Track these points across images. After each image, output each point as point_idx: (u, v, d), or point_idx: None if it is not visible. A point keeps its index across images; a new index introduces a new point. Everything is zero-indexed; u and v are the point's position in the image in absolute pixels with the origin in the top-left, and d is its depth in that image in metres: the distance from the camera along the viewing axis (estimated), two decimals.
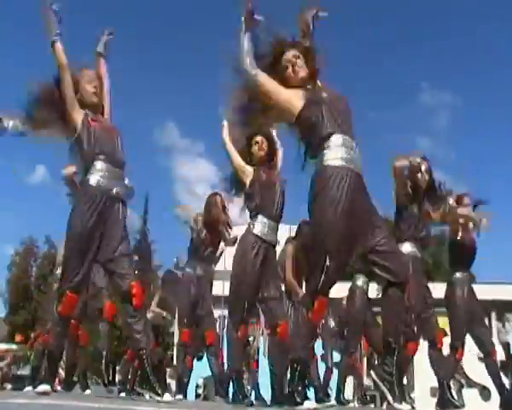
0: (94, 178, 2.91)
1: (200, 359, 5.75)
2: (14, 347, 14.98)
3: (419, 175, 3.89)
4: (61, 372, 11.08)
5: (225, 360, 6.88)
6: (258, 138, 3.73)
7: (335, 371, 5.88)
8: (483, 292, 5.99)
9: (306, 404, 2.44)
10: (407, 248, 3.85)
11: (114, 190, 2.93)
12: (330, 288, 2.47)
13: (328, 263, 2.35)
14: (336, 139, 2.49)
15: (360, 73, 45.22)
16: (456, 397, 4.31)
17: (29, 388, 4.57)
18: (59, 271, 4.66)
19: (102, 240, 2.89)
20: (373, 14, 44.43)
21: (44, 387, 2.76)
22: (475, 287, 4.54)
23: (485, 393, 4.75)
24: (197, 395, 7.61)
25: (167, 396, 2.83)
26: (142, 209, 29.07)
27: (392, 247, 2.56)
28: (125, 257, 2.89)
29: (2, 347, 17.78)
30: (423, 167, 3.89)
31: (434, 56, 44.09)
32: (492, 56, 41.21)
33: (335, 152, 2.46)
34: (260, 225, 3.52)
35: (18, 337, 15.71)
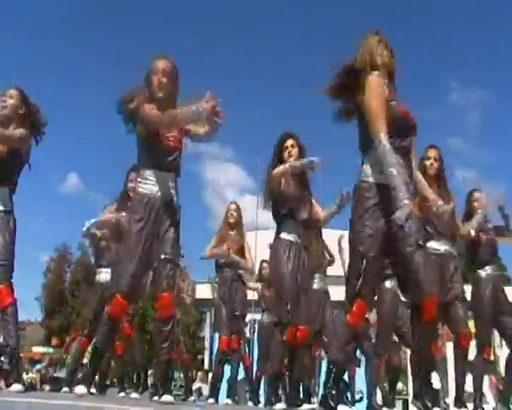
0: (145, 184, 2.88)
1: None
2: (50, 350, 15.39)
3: (427, 162, 3.77)
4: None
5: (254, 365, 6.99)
6: (289, 143, 3.63)
7: (361, 374, 5.82)
8: None
9: (340, 409, 2.43)
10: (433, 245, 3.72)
11: (164, 195, 2.86)
12: (370, 291, 2.51)
13: (364, 266, 2.41)
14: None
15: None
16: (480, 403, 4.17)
17: (65, 389, 4.69)
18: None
19: (155, 244, 2.83)
20: (400, 14, 43.90)
21: (82, 389, 2.80)
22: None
23: None
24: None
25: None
26: None
27: (413, 263, 2.44)
28: (167, 263, 2.82)
29: (39, 350, 18.28)
30: (432, 154, 3.77)
31: (464, 54, 43.20)
32: None
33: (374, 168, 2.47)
34: (287, 230, 3.57)
35: (54, 341, 16.17)
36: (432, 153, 3.79)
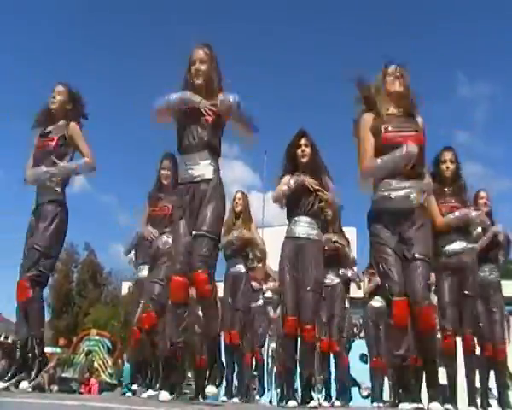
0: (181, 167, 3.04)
1: None
2: (58, 350, 15.44)
3: (443, 166, 3.78)
4: (103, 376, 11.20)
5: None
6: (303, 141, 3.63)
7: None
8: None
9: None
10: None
11: (190, 174, 2.93)
12: (398, 288, 2.66)
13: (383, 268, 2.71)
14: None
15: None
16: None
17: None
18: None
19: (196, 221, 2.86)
20: (408, 7, 43.70)
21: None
22: None
23: None
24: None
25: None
26: None
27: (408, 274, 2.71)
28: (203, 239, 2.79)
29: (47, 350, 18.38)
30: (448, 157, 3.78)
31: (473, 47, 42.94)
32: None
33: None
34: (291, 227, 3.60)
35: (61, 341, 16.21)
36: (447, 156, 3.79)
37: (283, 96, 44.71)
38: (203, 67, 2.95)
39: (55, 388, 10.71)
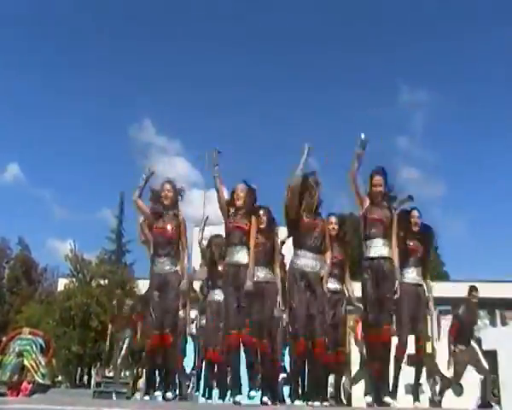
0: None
1: None
2: None
3: (330, 226, 4.90)
4: (35, 377, 10.69)
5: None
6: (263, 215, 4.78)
7: None
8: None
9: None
10: None
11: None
12: (301, 334, 4.09)
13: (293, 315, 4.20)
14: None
15: (345, 72, 45.48)
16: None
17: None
18: None
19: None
20: (351, 16, 44.85)
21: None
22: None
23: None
24: None
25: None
26: (117, 209, 28.85)
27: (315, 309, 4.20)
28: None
29: None
30: (333, 221, 5.05)
31: (411, 53, 44.66)
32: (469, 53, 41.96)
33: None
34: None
35: None
36: (333, 220, 5.12)
37: (225, 93, 44.58)
38: (241, 194, 4.36)
39: None
